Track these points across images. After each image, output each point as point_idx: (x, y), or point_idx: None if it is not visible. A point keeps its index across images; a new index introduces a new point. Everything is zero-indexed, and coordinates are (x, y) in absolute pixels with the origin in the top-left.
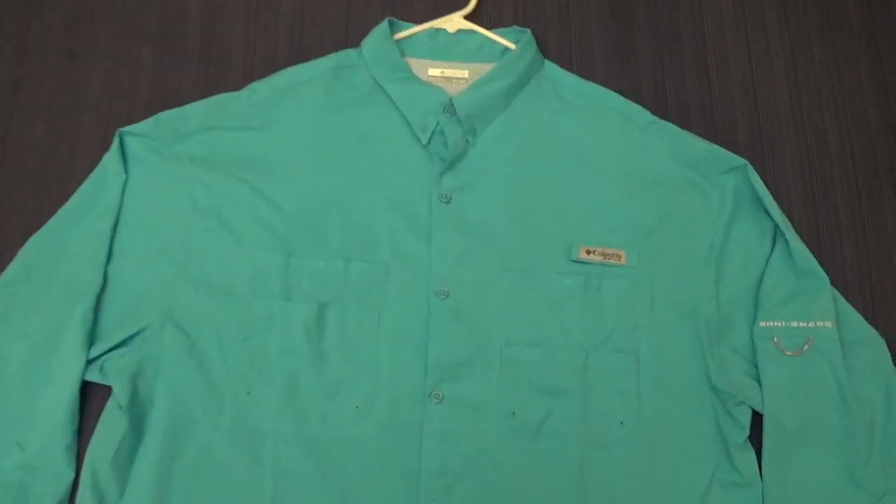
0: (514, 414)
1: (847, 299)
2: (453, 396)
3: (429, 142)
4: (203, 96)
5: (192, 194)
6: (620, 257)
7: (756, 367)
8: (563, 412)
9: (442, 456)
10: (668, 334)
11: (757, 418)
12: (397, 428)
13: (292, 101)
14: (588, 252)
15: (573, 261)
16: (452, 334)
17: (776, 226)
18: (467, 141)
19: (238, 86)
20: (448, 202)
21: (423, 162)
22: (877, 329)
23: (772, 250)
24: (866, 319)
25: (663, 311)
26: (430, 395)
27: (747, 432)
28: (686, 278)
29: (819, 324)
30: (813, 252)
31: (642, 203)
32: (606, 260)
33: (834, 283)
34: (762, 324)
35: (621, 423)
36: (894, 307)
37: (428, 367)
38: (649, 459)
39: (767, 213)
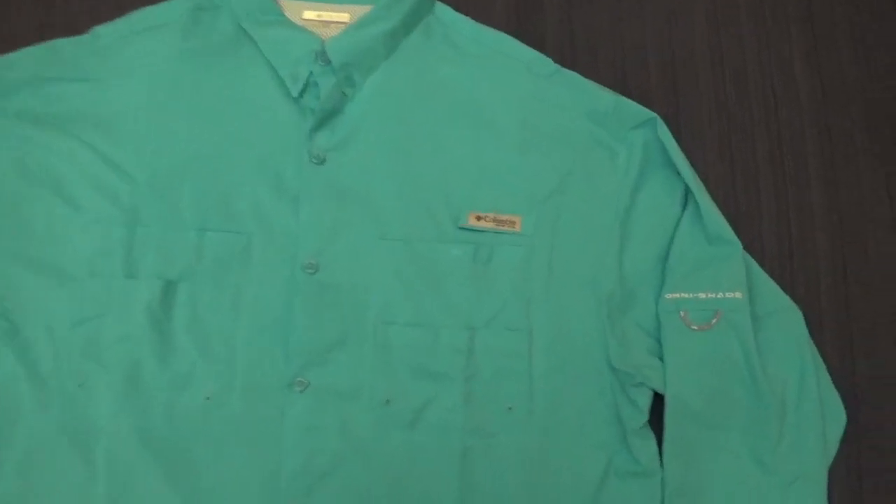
0: (388, 402)
1: (764, 267)
2: (320, 384)
3: (301, 95)
4: (40, 41)
5: (20, 157)
6: (515, 224)
7: (661, 343)
8: (444, 399)
9: (305, 452)
10: (566, 309)
11: (658, 402)
12: (255, 422)
13: (142, 49)
14: (478, 218)
15: (461, 228)
16: (320, 313)
17: (687, 187)
18: (344, 93)
19: (82, 29)
20: (321, 163)
21: (293, 118)
22: (796, 298)
23: (682, 214)
24: (784, 289)
25: (561, 284)
26: (292, 383)
27: (646, 416)
28: (588, 246)
29: (729, 294)
30: (730, 215)
31: (541, 162)
32: (499, 227)
33: (750, 248)
34: (668, 296)
35: (510, 408)
36: (815, 273)
37: (290, 352)
38: (540, 449)
39: (678, 170)
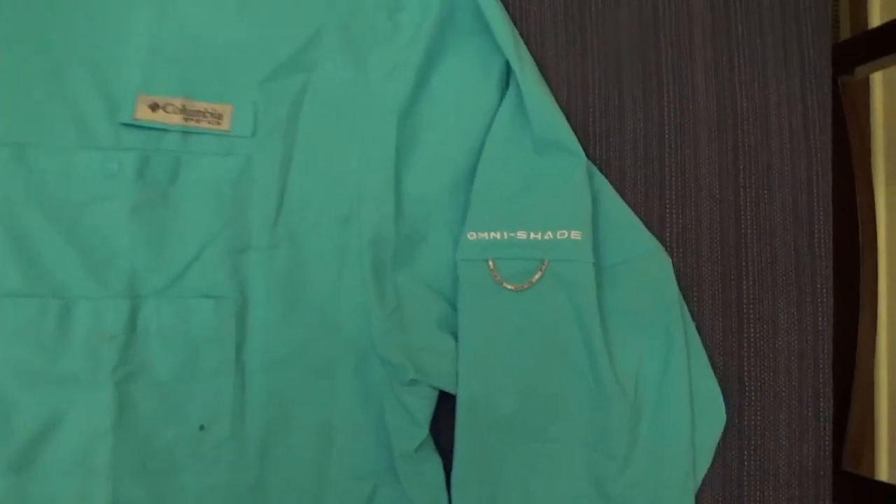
0: None
1: (623, 192)
2: None
3: None
4: None
5: None
6: (221, 118)
7: (456, 311)
8: (77, 418)
9: None
10: (302, 264)
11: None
12: None
13: None
14: (154, 107)
15: (124, 125)
16: None
17: (507, 63)
18: None
19: None
20: None
21: None
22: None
23: (499, 105)
24: (649, 227)
25: (296, 221)
26: None
27: (425, 431)
28: (343, 159)
29: (561, 234)
30: (560, 106)
31: (270, 20)
32: (192, 123)
33: (594, 156)
34: (471, 236)
35: (202, 428)
36: (707, 183)
37: None
38: (257, 490)
39: (496, 40)
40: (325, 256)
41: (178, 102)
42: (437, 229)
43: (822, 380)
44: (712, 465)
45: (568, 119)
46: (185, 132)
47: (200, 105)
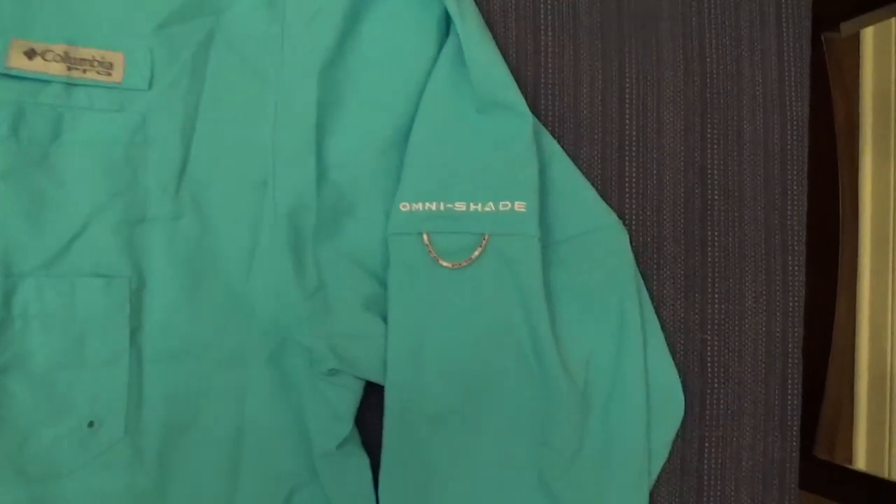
0: None
1: (578, 153)
2: None
3: None
4: None
5: None
6: (111, 68)
7: (387, 291)
8: None
9: None
10: (209, 235)
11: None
12: None
13: None
14: (31, 53)
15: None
16: None
17: (447, 11)
18: None
19: None
20: None
21: None
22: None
23: (436, 58)
24: (607, 192)
25: (201, 188)
26: None
27: (349, 427)
28: (254, 116)
29: (504, 206)
30: (507, 60)
31: None
32: (75, 73)
33: (546, 113)
34: (403, 207)
35: (90, 425)
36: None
37: None
38: (156, 496)
39: None
40: (235, 229)
41: (59, 49)
42: (366, 199)
43: (791, 364)
44: (669, 457)
45: (516, 76)
46: (69, 84)
47: (86, 52)
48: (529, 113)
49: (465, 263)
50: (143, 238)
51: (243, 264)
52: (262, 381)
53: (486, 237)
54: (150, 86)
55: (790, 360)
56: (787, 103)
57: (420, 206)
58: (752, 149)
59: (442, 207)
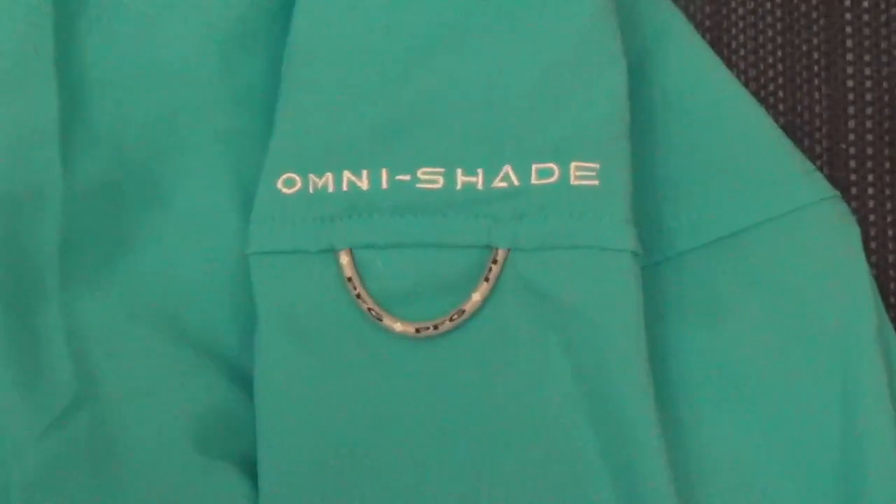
0: None
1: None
2: None
3: None
4: None
5: None
6: None
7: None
8: None
9: None
10: None
11: None
12: None
13: None
14: None
15: None
16: None
17: None
18: None
19: None
20: None
21: None
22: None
23: None
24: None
25: None
26: None
27: None
28: None
29: (545, 172)
30: None
31: None
32: None
33: None
34: (282, 185)
35: None
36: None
37: None
38: None
39: None
40: None
41: None
42: (191, 168)
43: None
44: None
45: None
46: None
47: None
48: None
49: (444, 326)
50: None
51: None
52: None
53: (500, 254)
54: None
55: None
56: None
57: (328, 179)
58: None
59: (385, 184)
